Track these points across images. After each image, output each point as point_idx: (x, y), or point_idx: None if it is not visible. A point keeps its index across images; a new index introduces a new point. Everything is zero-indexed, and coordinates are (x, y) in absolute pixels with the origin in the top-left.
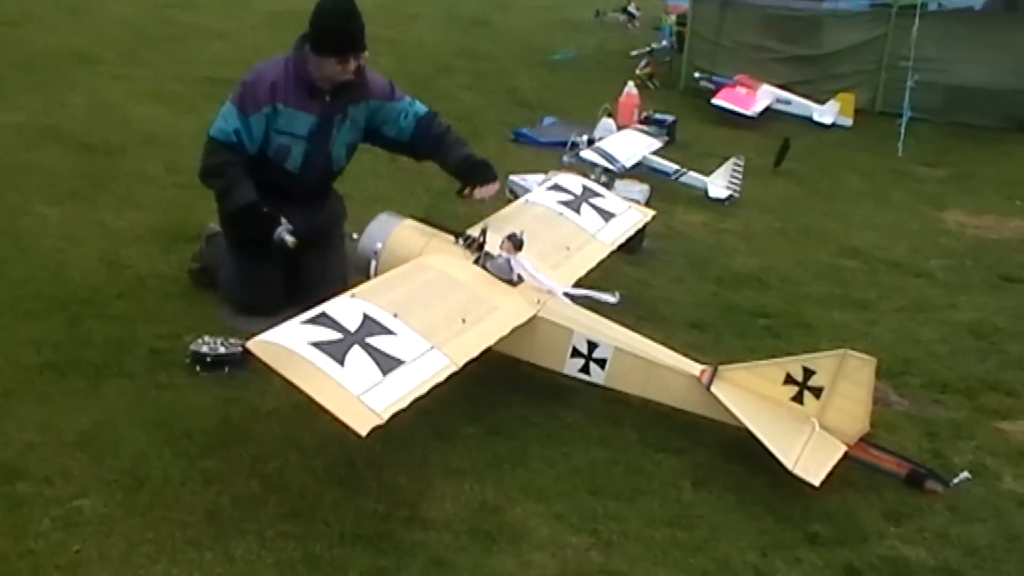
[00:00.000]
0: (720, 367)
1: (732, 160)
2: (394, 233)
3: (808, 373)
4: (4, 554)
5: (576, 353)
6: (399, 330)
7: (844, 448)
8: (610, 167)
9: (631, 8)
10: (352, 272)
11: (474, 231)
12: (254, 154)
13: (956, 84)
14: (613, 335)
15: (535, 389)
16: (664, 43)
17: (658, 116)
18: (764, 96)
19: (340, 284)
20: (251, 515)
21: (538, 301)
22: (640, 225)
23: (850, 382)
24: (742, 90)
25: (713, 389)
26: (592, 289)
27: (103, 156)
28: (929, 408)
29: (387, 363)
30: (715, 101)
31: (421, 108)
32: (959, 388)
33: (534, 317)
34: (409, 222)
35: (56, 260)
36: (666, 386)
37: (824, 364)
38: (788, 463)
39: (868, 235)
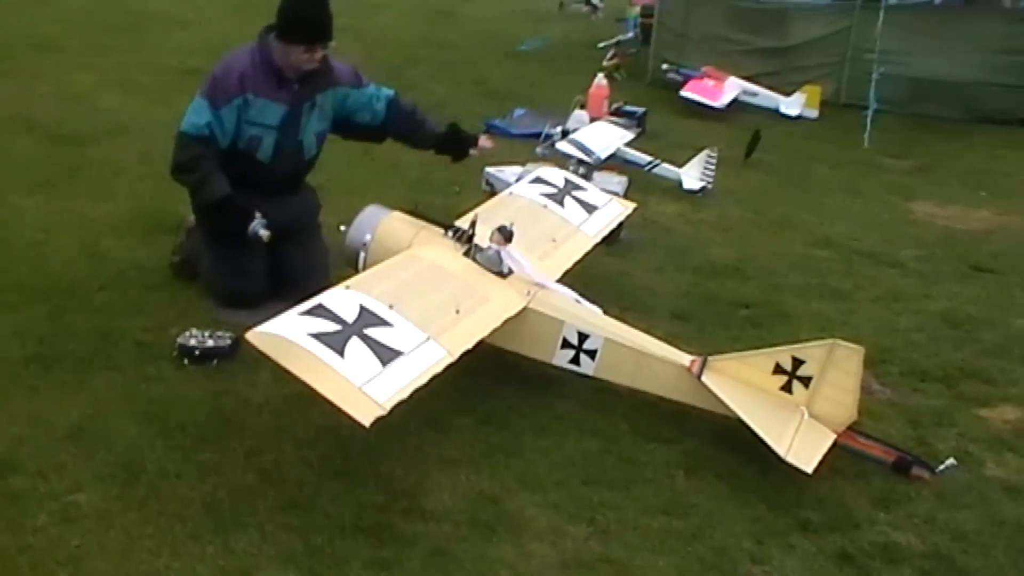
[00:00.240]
0: (710, 357)
1: (706, 151)
2: (383, 225)
3: (797, 363)
4: (2, 549)
5: (567, 344)
6: (396, 321)
7: (833, 436)
8: (586, 159)
9: None
10: (340, 264)
11: (463, 223)
12: (226, 147)
13: (919, 76)
14: (603, 326)
15: (525, 379)
16: (630, 34)
17: (628, 108)
18: (731, 88)
19: (323, 275)
20: (250, 507)
21: (528, 292)
22: (622, 218)
23: (839, 371)
24: (710, 82)
25: (704, 379)
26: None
27: (75, 146)
28: (910, 396)
29: (386, 354)
30: (683, 93)
31: (387, 91)
32: (938, 376)
33: (525, 308)
34: (398, 214)
35: (35, 251)
36: (656, 376)
37: (813, 353)
38: (781, 451)
39: (841, 226)
